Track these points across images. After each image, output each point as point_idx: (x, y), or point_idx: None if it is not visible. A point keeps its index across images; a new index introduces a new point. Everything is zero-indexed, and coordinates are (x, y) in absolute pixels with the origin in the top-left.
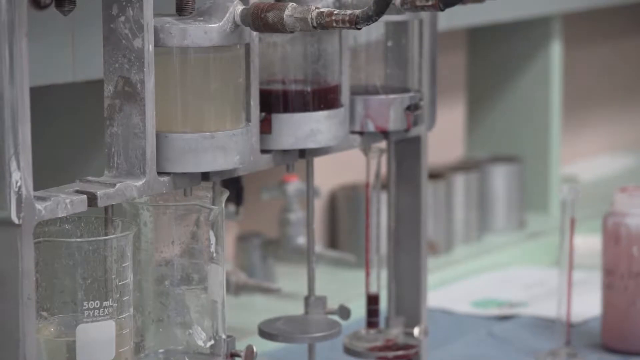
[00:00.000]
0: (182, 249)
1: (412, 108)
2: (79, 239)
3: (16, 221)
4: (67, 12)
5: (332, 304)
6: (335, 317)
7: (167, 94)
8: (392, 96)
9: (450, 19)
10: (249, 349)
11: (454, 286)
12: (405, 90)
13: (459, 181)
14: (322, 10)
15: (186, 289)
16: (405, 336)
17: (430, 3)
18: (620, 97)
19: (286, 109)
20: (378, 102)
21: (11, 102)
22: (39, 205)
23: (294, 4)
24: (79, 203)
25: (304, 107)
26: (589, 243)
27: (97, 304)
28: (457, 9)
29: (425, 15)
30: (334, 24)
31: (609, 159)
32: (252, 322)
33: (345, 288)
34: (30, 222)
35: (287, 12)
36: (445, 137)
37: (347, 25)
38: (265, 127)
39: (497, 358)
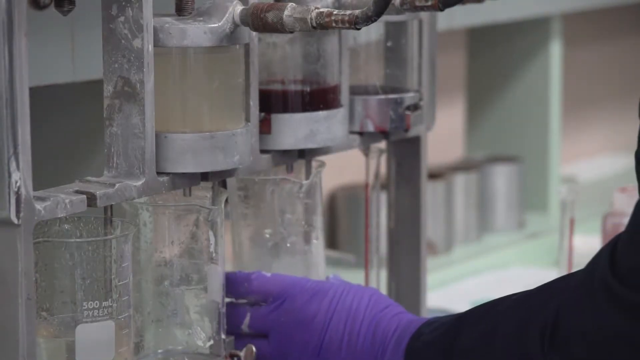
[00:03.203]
0: (181, 249)
1: (412, 108)
2: (78, 239)
3: (15, 221)
4: (67, 12)
5: None
6: None
7: (166, 94)
8: (391, 96)
9: (450, 19)
10: (249, 349)
11: (454, 286)
12: (404, 90)
13: (459, 181)
14: (321, 10)
15: (186, 289)
16: None
17: (429, 3)
18: (620, 97)
19: (286, 109)
20: (377, 102)
21: (11, 102)
22: (38, 206)
23: (294, 4)
24: (79, 203)
25: (304, 107)
26: (588, 243)
27: (96, 304)
28: (457, 9)
29: (424, 15)
30: (334, 24)
31: (608, 159)
32: None
33: None
34: (29, 222)
35: (286, 12)
36: (445, 137)
37: (347, 25)
38: (265, 127)
39: None
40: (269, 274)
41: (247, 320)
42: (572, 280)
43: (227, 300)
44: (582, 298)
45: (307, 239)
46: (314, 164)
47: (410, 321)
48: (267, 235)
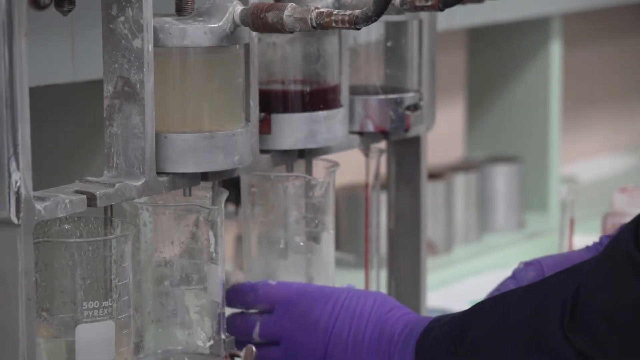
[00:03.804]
0: (181, 249)
1: (412, 108)
2: (78, 239)
3: (15, 221)
4: (67, 12)
5: None
6: None
7: (166, 94)
8: (391, 96)
9: (450, 19)
10: (249, 349)
11: (454, 286)
12: (404, 90)
13: (459, 181)
14: (321, 10)
15: (186, 289)
16: None
17: (429, 3)
18: (620, 97)
19: (286, 109)
20: (377, 102)
21: (11, 102)
22: (38, 206)
23: (294, 4)
24: (78, 203)
25: (304, 108)
26: (588, 243)
27: (96, 304)
28: (457, 9)
29: (424, 15)
30: (334, 24)
31: (608, 159)
32: None
33: None
34: (29, 222)
35: (286, 13)
36: (445, 137)
37: (347, 25)
38: (265, 127)
39: None
40: (274, 282)
41: (257, 329)
42: (590, 262)
43: (237, 310)
44: (605, 273)
45: (318, 239)
46: (326, 164)
47: (418, 320)
48: (279, 234)
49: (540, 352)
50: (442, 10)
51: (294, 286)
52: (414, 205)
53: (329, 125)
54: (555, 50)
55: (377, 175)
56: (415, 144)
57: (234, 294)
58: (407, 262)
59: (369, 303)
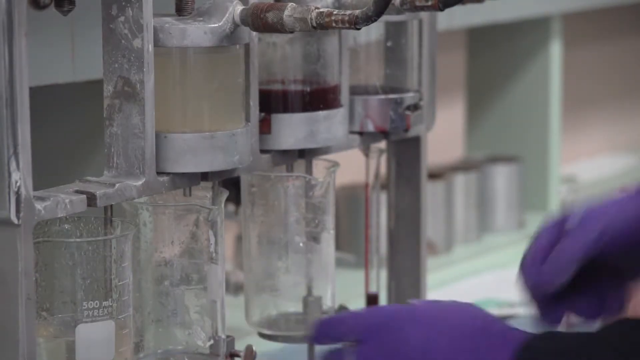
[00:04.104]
0: (181, 249)
1: (412, 108)
2: (78, 239)
3: (15, 221)
4: (67, 12)
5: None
6: None
7: (166, 94)
8: (391, 96)
9: (450, 19)
10: (249, 349)
11: (454, 286)
12: (404, 90)
13: (459, 181)
14: (321, 10)
15: (186, 288)
16: None
17: (429, 3)
18: (620, 97)
19: (286, 109)
20: (377, 102)
21: (11, 102)
22: (38, 205)
23: (294, 4)
24: (79, 203)
25: (304, 108)
26: None
27: (96, 304)
28: (457, 9)
29: (424, 15)
30: (334, 24)
31: (608, 159)
32: None
33: (345, 288)
34: (29, 222)
35: (286, 12)
36: (445, 137)
37: (347, 25)
38: (265, 127)
39: None
40: (362, 311)
41: None
42: None
43: (327, 347)
44: None
45: (318, 239)
46: (326, 164)
47: (515, 337)
48: (279, 234)
49: None
50: (442, 10)
51: (383, 311)
52: (414, 205)
53: (329, 125)
54: (555, 50)
55: (377, 175)
56: (415, 144)
57: (322, 330)
58: (407, 262)
59: (464, 319)
